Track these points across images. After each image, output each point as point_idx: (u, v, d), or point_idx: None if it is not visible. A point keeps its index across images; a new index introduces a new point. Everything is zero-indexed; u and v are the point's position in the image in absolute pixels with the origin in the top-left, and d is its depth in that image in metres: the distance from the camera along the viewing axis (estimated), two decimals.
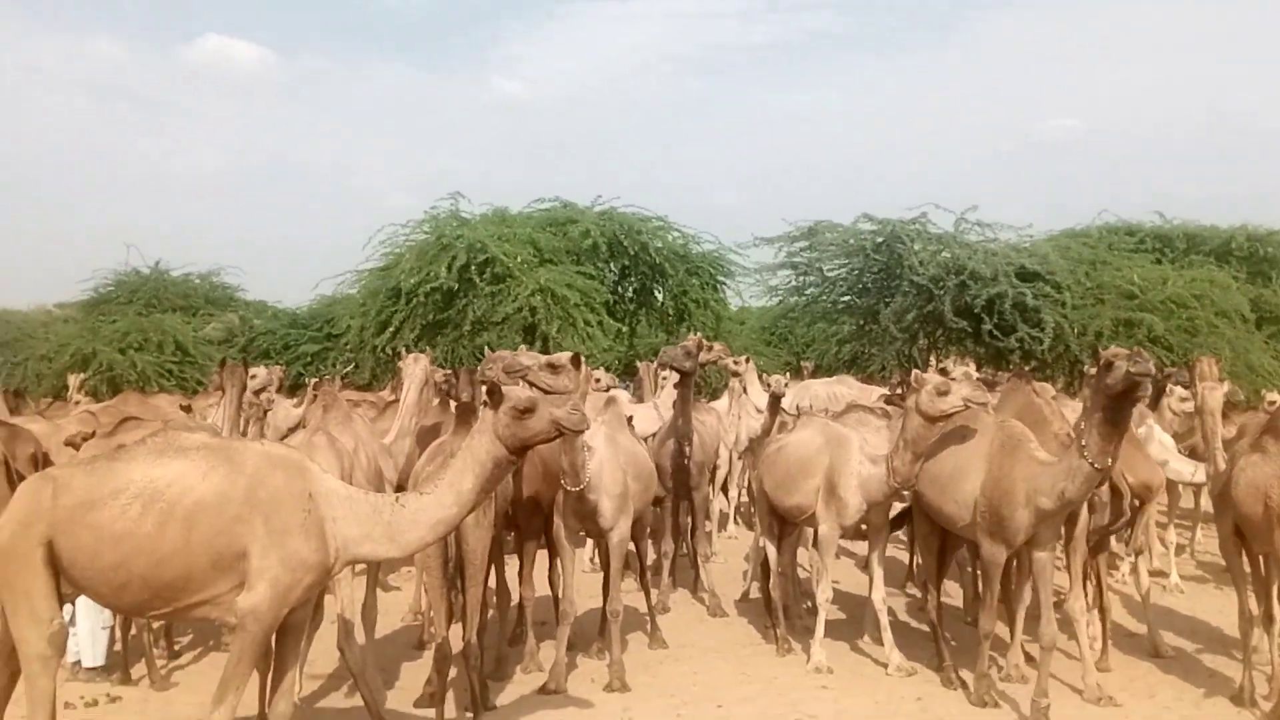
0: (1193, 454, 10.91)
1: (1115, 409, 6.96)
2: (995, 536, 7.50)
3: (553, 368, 7.74)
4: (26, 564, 5.38)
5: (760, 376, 15.52)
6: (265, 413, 11.80)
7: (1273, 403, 13.87)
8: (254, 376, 11.14)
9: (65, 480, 5.50)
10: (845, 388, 15.68)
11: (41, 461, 9.44)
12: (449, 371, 8.61)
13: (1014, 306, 18.76)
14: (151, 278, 27.60)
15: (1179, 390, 11.82)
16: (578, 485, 7.92)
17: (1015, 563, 8.34)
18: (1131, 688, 8.11)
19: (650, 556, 11.17)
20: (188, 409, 12.54)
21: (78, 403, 16.10)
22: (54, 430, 11.78)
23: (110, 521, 5.34)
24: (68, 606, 5.89)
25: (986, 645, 7.80)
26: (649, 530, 10.18)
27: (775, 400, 11.96)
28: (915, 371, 8.48)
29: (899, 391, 9.36)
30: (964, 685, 7.94)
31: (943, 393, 7.74)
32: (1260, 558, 7.94)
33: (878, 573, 8.82)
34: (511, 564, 8.89)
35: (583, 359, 8.11)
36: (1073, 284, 19.41)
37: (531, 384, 7.28)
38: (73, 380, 18.50)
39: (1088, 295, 19.55)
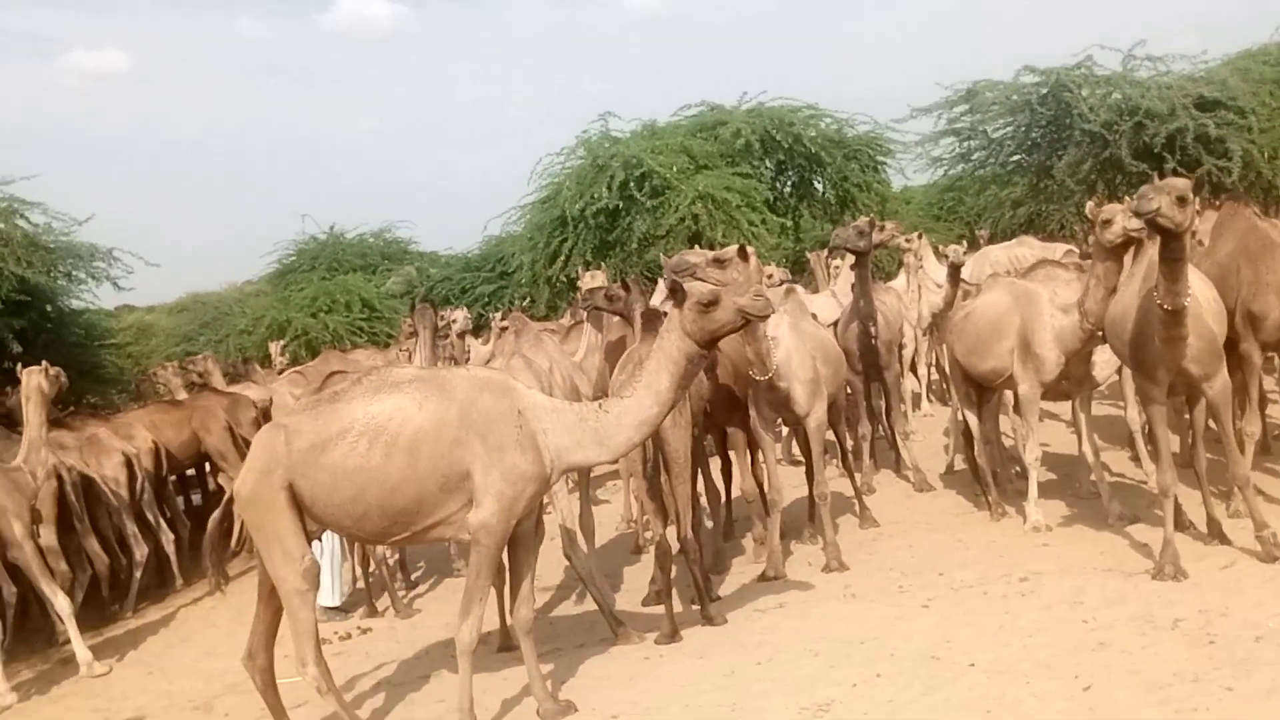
0: None
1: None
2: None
3: (719, 262, 7.83)
4: (273, 508, 5.80)
5: (936, 250, 15.20)
6: (464, 355, 12.26)
7: None
8: (453, 321, 11.56)
9: (295, 427, 5.88)
10: (1027, 249, 15.21)
11: (261, 422, 10.10)
12: (608, 287, 8.74)
13: (1196, 139, 17.74)
14: (329, 242, 28.65)
15: None
16: (766, 374, 7.98)
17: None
18: None
19: (849, 441, 11.22)
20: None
21: (282, 369, 17.01)
22: (268, 392, 12.53)
23: (342, 459, 5.70)
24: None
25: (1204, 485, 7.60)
26: (845, 415, 10.19)
27: (955, 270, 11.69)
28: (1089, 204, 8.23)
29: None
30: (1191, 525, 7.74)
31: (1107, 221, 7.55)
32: None
33: (1085, 424, 8.63)
34: (714, 465, 9.09)
35: (750, 250, 8.10)
36: (1257, 106, 18.19)
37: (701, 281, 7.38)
38: (274, 348, 19.49)
39: (1275, 116, 18.33)
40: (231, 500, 6.90)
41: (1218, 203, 11.18)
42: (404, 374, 6.11)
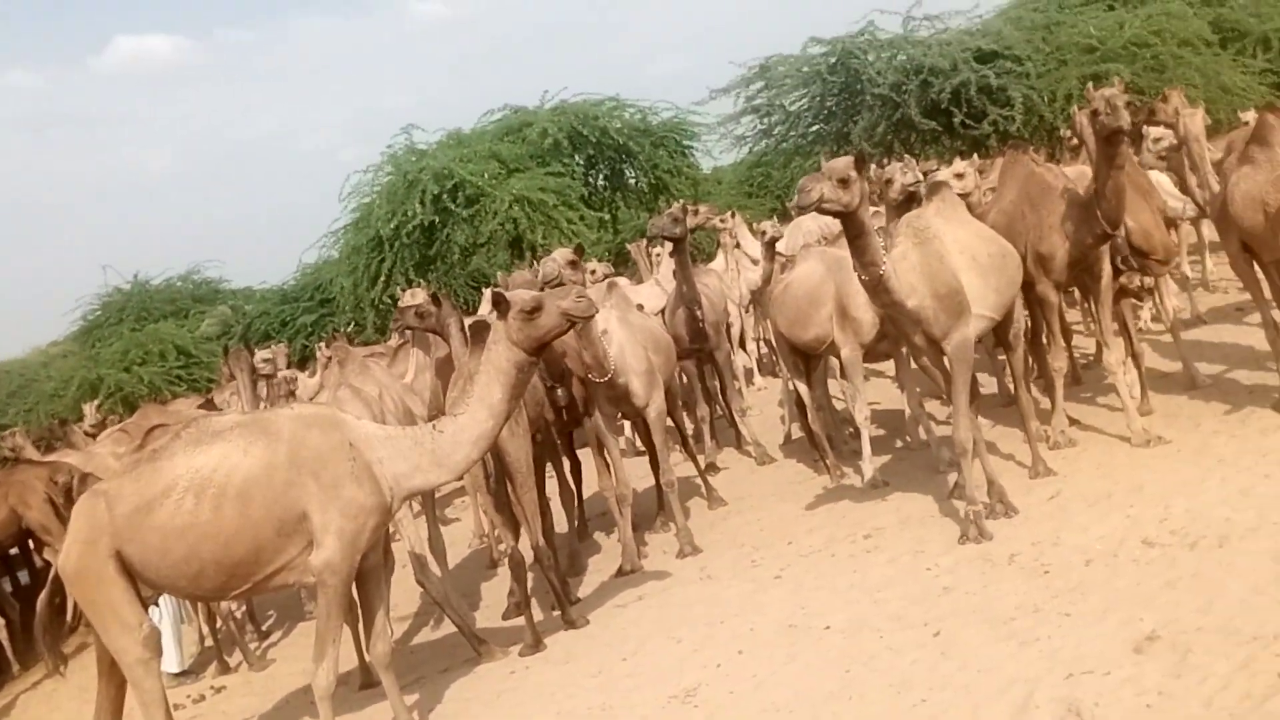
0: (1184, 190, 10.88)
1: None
2: None
3: (573, 264, 8.14)
4: (102, 579, 5.55)
5: (751, 227, 15.50)
6: (292, 392, 11.91)
7: (1247, 122, 13.76)
8: (267, 360, 11.22)
9: (116, 491, 5.63)
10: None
11: (78, 488, 9.64)
12: (417, 304, 8.65)
13: (979, 91, 18.58)
14: (135, 292, 27.52)
15: (1153, 131, 11.68)
16: (605, 375, 8.01)
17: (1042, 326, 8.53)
18: (1176, 423, 8.24)
19: (689, 425, 11.36)
20: (209, 404, 12.65)
21: (97, 431, 16.24)
22: (89, 457, 11.96)
23: (169, 518, 5.49)
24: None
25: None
26: (681, 400, 10.32)
27: (770, 245, 11.97)
28: (873, 170, 8.56)
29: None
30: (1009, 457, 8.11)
31: (888, 181, 7.89)
32: (1273, 267, 8.01)
33: (908, 380, 8.95)
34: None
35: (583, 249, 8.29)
36: (1032, 53, 19.16)
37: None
38: (88, 409, 18.60)
39: (1049, 60, 19.30)
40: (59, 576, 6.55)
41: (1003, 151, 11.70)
42: (224, 421, 5.92)
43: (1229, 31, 21.41)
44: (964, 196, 8.77)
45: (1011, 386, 9.78)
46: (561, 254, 8.38)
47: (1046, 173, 8.42)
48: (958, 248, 7.14)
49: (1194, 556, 5.82)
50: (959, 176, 9.38)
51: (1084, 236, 7.90)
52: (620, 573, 8.22)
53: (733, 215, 14.91)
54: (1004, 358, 8.92)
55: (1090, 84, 8.28)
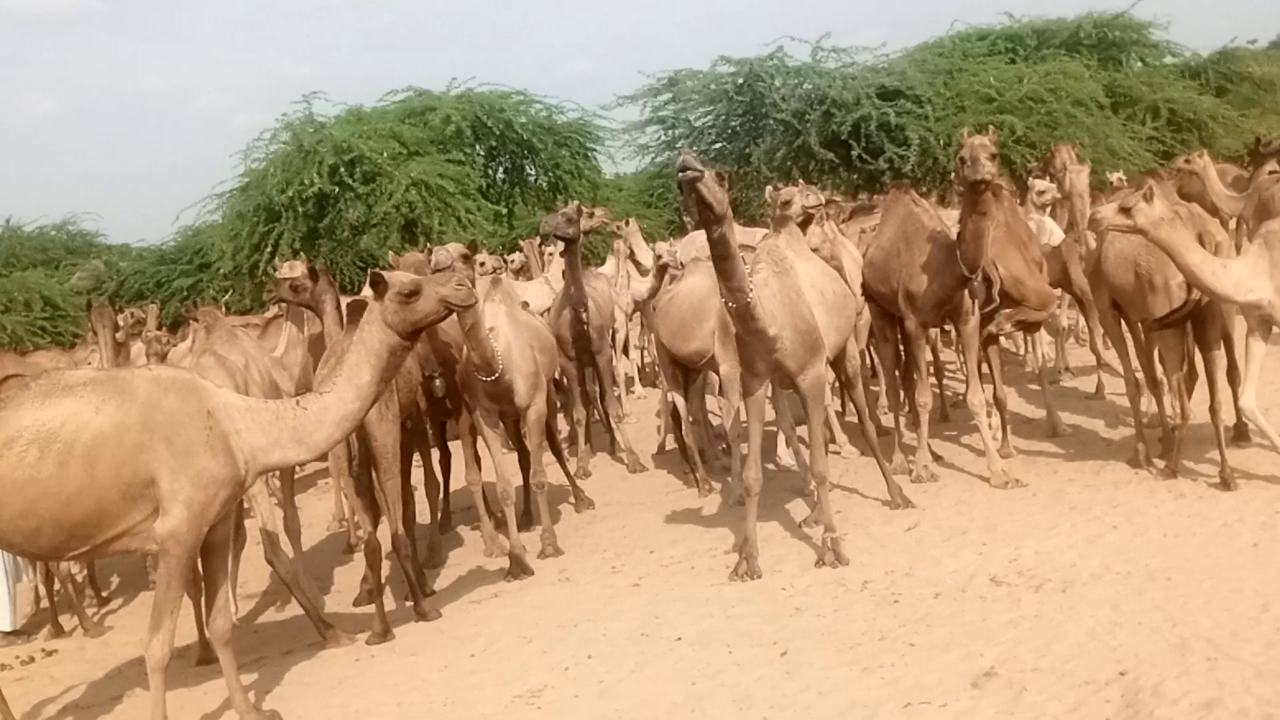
0: None
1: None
2: None
3: (465, 258, 8.00)
4: None
5: (646, 236, 15.55)
6: (163, 355, 11.52)
7: (1119, 181, 14.30)
8: (120, 325, 10.80)
9: None
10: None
11: None
12: (293, 278, 8.42)
13: (879, 128, 18.96)
14: (4, 236, 26.38)
15: (1038, 184, 12.04)
16: (493, 373, 7.86)
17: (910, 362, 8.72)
18: (1035, 468, 8.50)
19: (564, 428, 11.33)
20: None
21: None
22: None
23: (10, 470, 5.23)
24: None
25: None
26: (558, 403, 10.27)
27: (662, 269, 11.96)
28: (768, 188, 8.64)
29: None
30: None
31: (786, 202, 7.94)
32: (1139, 325, 8.31)
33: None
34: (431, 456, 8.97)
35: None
36: (933, 96, 19.64)
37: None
38: None
39: (949, 105, 19.80)
40: None
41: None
42: (79, 376, 5.67)
43: (1121, 97, 22.24)
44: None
45: (883, 414, 10.02)
46: (455, 247, 8.27)
47: (923, 213, 8.61)
48: (808, 282, 7.21)
49: (1038, 598, 5.98)
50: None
51: (947, 278, 8.11)
52: (513, 575, 7.87)
53: (628, 223, 14.94)
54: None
55: (966, 129, 8.46)
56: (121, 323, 9.94)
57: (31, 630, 8.53)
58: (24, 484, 5.26)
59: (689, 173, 6.16)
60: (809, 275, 7.31)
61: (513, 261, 16.11)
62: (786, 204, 7.94)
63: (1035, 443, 9.15)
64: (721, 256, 6.44)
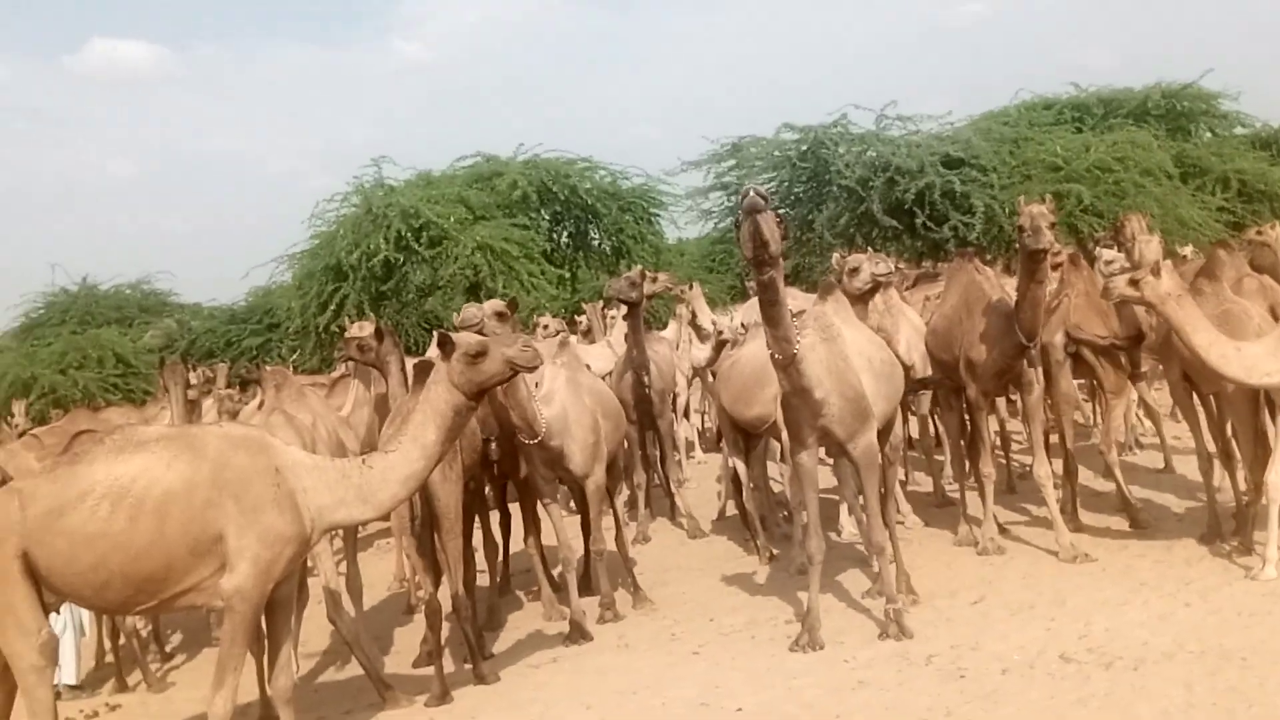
0: None
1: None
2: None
3: (500, 316, 7.81)
4: (6, 579, 5.37)
5: (708, 301, 15.61)
6: (235, 413, 11.72)
7: (1191, 253, 14.11)
8: (192, 384, 10.98)
9: (31, 491, 5.47)
10: (791, 300, 15.75)
11: None
12: (360, 337, 8.49)
13: (943, 196, 18.90)
14: (81, 294, 27.09)
15: (1106, 253, 11.93)
16: (535, 437, 7.78)
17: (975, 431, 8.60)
18: (1104, 543, 8.33)
19: (625, 492, 11.28)
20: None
21: (23, 431, 15.87)
22: (7, 456, 11.63)
23: (81, 524, 5.33)
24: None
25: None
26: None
27: (721, 343, 11.95)
28: (835, 255, 8.63)
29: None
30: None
31: (854, 270, 7.90)
32: (1211, 398, 8.16)
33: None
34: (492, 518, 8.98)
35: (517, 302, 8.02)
36: (998, 165, 19.56)
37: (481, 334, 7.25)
38: (18, 407, 18.19)
39: (1014, 174, 19.71)
40: None
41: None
42: (151, 433, 5.78)
43: (1190, 167, 22.04)
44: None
45: (948, 484, 9.90)
46: (491, 304, 8.28)
47: (985, 282, 8.55)
48: (855, 349, 7.13)
49: (1108, 676, 5.84)
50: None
51: (1006, 346, 8.03)
52: (572, 640, 7.78)
53: (691, 287, 15.01)
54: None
55: (1021, 197, 8.43)
56: (193, 380, 10.11)
57: (95, 685, 8.62)
58: (95, 538, 5.35)
59: (753, 199, 6.14)
60: (856, 343, 7.24)
61: (580, 324, 16.24)
62: (854, 271, 7.92)
63: (1104, 517, 8.97)
64: (769, 302, 6.42)
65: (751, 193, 6.20)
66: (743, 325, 12.15)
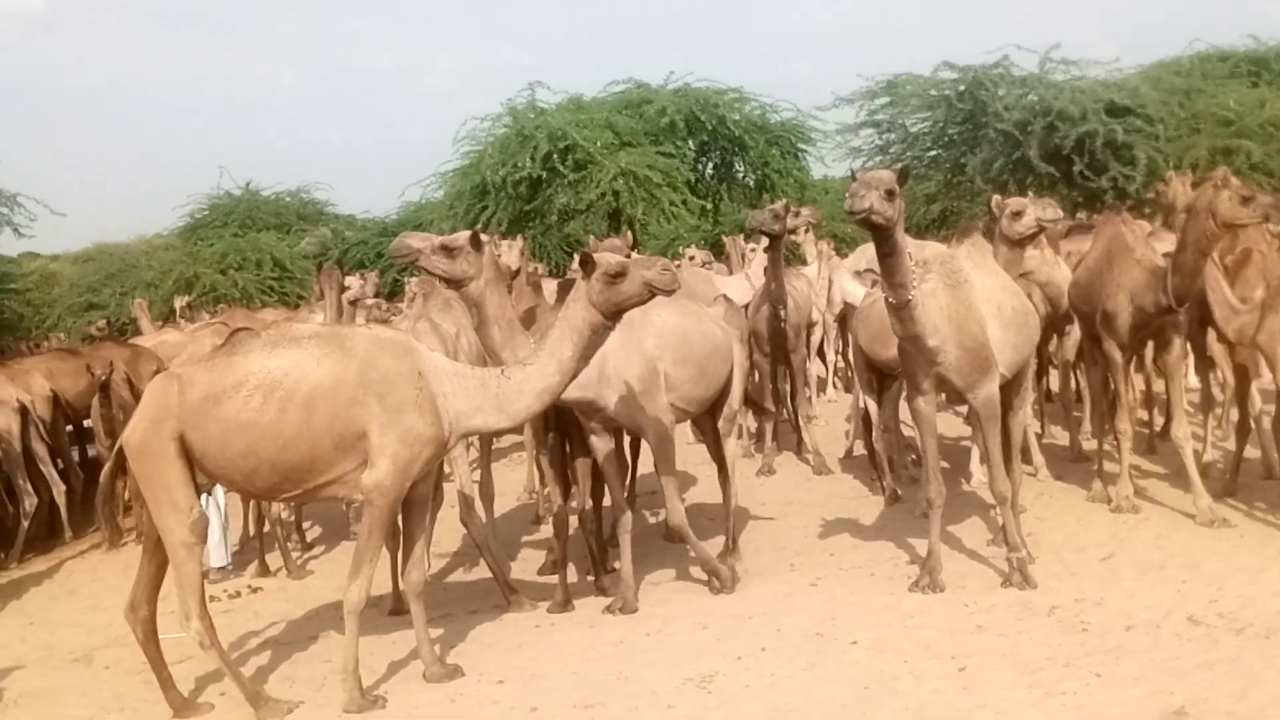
0: None
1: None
2: None
3: (447, 250, 6.47)
4: (162, 458, 5.71)
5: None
6: (386, 319, 12.10)
7: None
8: (348, 287, 11.37)
9: (189, 377, 5.78)
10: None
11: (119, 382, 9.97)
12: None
13: (1105, 145, 18.26)
14: (244, 199, 28.15)
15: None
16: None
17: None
18: (1243, 509, 8.04)
19: (753, 424, 11.33)
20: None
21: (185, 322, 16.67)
22: (190, 340, 12.26)
23: (235, 412, 5.62)
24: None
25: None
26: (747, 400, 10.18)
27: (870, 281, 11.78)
28: (995, 197, 8.40)
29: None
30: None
31: (1017, 213, 7.70)
32: None
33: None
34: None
35: (484, 237, 6.77)
36: (1166, 116, 18.79)
37: (424, 269, 6.69)
38: (179, 302, 19.11)
39: (1182, 126, 18.93)
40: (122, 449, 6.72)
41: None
42: (304, 330, 6.06)
43: None
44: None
45: (1086, 439, 9.69)
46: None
47: (1130, 234, 8.22)
48: (985, 296, 6.95)
49: (1238, 641, 5.69)
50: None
51: (1148, 304, 7.73)
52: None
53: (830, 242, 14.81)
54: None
55: (1170, 171, 8.13)
56: (349, 285, 10.47)
57: (238, 569, 9.11)
58: (247, 426, 5.64)
59: (858, 206, 5.99)
60: (987, 289, 7.03)
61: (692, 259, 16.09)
62: (1017, 215, 7.69)
63: (1245, 481, 8.66)
64: (888, 254, 6.32)
65: (856, 197, 6.03)
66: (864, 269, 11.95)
